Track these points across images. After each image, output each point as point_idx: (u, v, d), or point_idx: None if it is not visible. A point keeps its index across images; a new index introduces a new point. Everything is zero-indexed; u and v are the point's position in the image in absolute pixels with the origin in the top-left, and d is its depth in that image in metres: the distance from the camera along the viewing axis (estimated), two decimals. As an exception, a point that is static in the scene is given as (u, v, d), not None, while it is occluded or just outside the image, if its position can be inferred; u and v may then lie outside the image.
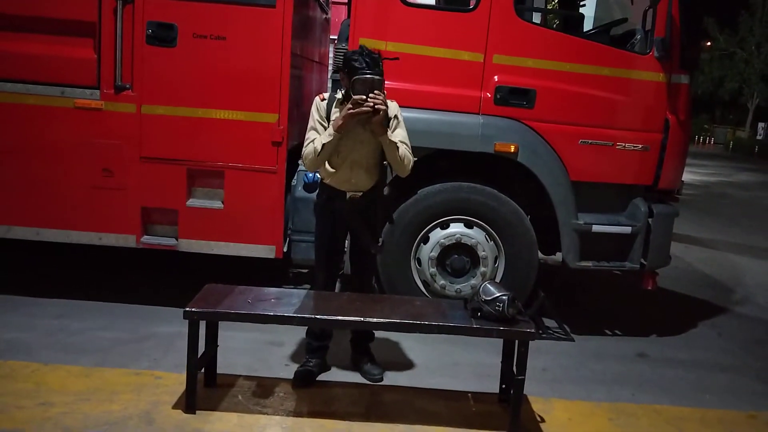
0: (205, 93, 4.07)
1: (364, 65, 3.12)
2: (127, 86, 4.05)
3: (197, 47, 4.01)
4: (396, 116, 3.32)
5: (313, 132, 3.29)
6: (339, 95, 3.31)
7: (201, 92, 4.07)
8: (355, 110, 3.10)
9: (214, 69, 4.04)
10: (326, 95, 3.37)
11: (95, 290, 4.55)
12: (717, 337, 4.88)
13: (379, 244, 3.35)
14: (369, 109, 3.09)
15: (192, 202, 4.19)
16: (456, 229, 4.27)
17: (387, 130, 3.22)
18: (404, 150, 3.27)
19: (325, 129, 3.27)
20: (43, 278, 4.77)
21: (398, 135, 3.29)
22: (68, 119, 4.06)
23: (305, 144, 3.29)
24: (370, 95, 3.09)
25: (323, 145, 3.20)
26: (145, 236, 4.23)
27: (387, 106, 3.16)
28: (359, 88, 3.11)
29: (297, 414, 3.12)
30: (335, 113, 3.27)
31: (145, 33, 3.98)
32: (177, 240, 4.21)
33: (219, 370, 3.35)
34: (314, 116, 3.32)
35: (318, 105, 3.33)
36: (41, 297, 4.38)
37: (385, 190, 3.38)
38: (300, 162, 3.34)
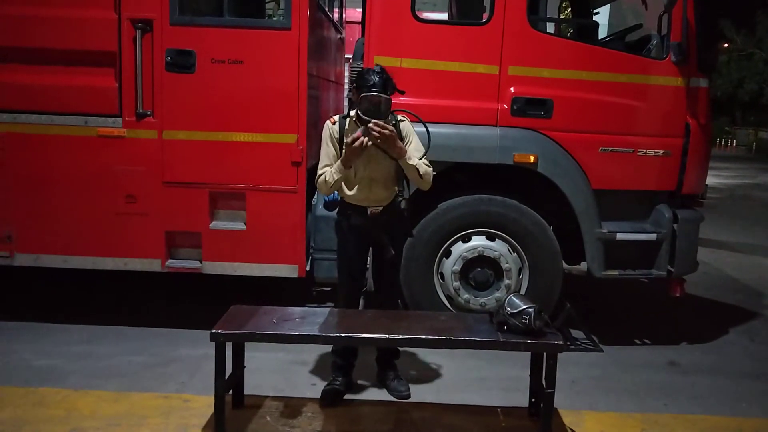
0: (225, 116, 4.13)
1: (372, 84, 3.16)
2: (149, 113, 4.12)
3: (215, 72, 4.07)
4: (408, 135, 3.34)
5: (325, 158, 3.33)
6: (353, 113, 3.33)
7: (220, 116, 4.12)
8: (354, 145, 3.14)
9: (232, 93, 4.10)
10: (336, 118, 3.39)
11: (122, 315, 4.60)
12: (750, 342, 4.78)
13: (393, 254, 3.35)
14: (363, 143, 3.13)
15: (215, 224, 4.23)
16: (478, 242, 4.25)
17: (404, 151, 3.23)
18: (425, 168, 3.29)
19: (338, 154, 3.30)
20: (70, 304, 4.83)
21: (413, 152, 3.30)
22: (91, 148, 4.13)
23: (318, 172, 3.33)
24: (369, 124, 3.13)
25: (334, 179, 3.26)
26: (170, 260, 4.28)
27: (390, 131, 3.17)
28: (365, 106, 3.18)
29: (325, 433, 3.11)
30: (348, 133, 3.29)
31: (164, 60, 4.06)
32: (201, 263, 4.25)
33: (246, 392, 3.35)
34: (326, 143, 3.34)
35: (330, 130, 3.34)
36: (69, 323, 4.43)
37: (402, 204, 3.38)
38: None
